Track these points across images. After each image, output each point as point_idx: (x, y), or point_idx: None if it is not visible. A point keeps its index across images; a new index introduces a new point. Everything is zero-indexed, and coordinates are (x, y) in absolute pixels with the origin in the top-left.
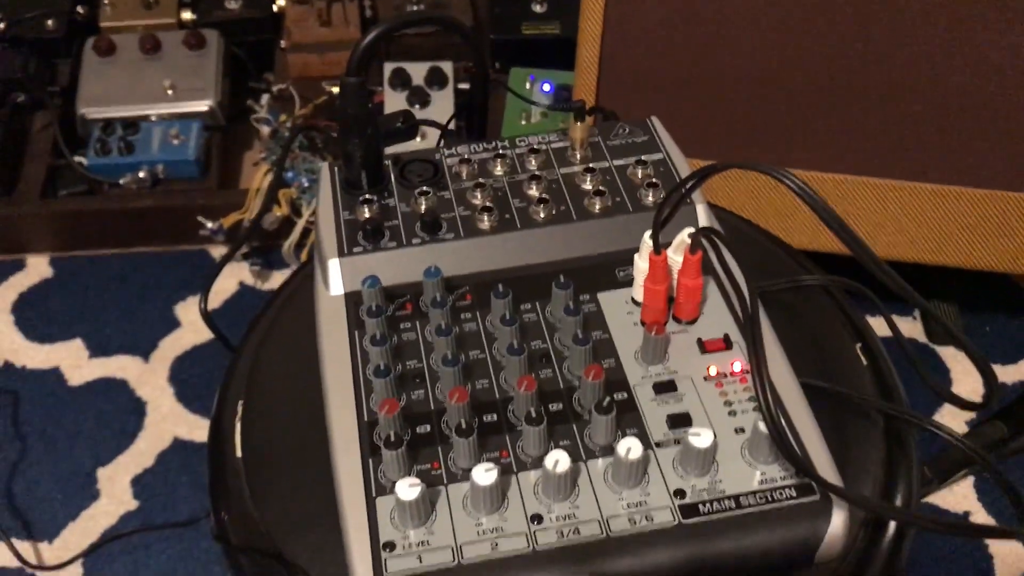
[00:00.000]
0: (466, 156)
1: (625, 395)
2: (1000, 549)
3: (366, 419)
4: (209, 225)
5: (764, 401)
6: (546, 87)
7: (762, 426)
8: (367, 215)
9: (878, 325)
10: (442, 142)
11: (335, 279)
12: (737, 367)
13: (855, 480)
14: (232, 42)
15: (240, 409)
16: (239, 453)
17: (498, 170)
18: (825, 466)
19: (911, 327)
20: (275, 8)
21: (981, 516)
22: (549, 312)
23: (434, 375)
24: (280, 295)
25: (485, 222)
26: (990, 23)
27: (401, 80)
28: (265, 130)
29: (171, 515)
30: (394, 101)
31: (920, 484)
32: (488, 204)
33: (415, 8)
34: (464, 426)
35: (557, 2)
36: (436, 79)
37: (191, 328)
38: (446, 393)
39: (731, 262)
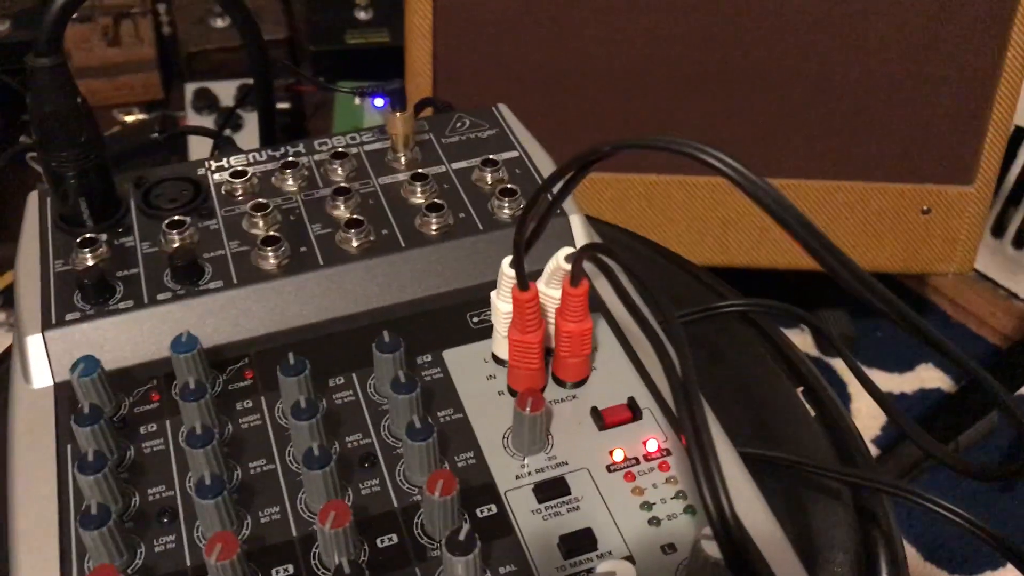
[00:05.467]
0: (242, 169)
1: (493, 509)
2: None
3: None
4: None
5: (716, 512)
6: (379, 101)
7: (709, 548)
8: (89, 263)
9: None
10: (214, 154)
11: (38, 365)
12: (652, 446)
13: None
14: (1, 69)
15: None
16: None
17: (289, 184)
18: None
19: (799, 339)
20: None
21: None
22: (372, 388)
23: (191, 510)
24: None
25: (270, 260)
26: (871, 5)
27: (207, 102)
28: None
29: None
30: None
31: (907, 572)
32: (273, 234)
33: (217, 19)
34: None
35: (384, 8)
36: (249, 99)
37: None
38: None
39: (633, 290)
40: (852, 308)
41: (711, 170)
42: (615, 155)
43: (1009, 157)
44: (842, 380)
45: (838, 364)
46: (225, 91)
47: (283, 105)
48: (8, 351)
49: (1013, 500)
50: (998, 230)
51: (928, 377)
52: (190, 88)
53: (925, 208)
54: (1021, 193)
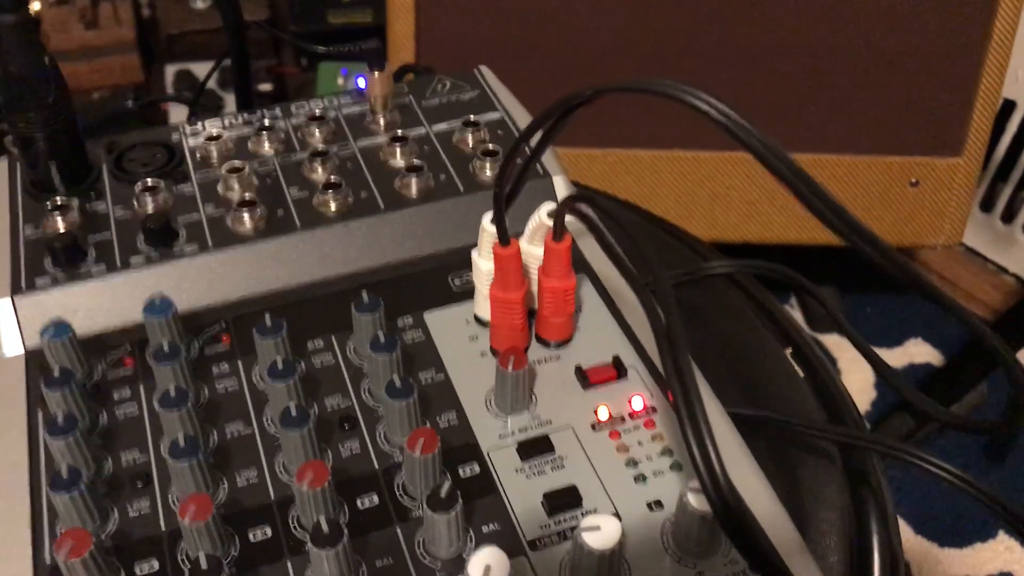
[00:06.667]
0: (216, 133)
1: (476, 469)
2: None
3: (48, 562)
4: None
5: (703, 462)
6: (361, 82)
7: (697, 502)
8: (60, 228)
9: None
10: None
11: (8, 331)
12: (638, 404)
13: (817, 543)
14: None
15: None
16: None
17: (265, 148)
18: (791, 548)
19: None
20: (31, 12)
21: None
22: (351, 349)
23: (166, 476)
24: None
25: (246, 223)
26: None
27: (188, 84)
28: None
29: None
30: (181, 109)
31: (898, 531)
32: (249, 197)
33: (197, 0)
34: (207, 564)
35: None
36: (231, 80)
37: None
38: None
39: (617, 245)
40: (841, 285)
41: (695, 112)
42: (596, 100)
43: (997, 132)
44: (831, 356)
45: (827, 340)
46: (206, 73)
47: (265, 87)
48: None
49: (1000, 475)
50: (987, 205)
51: (917, 352)
52: (171, 70)
53: (913, 180)
54: (1010, 168)
